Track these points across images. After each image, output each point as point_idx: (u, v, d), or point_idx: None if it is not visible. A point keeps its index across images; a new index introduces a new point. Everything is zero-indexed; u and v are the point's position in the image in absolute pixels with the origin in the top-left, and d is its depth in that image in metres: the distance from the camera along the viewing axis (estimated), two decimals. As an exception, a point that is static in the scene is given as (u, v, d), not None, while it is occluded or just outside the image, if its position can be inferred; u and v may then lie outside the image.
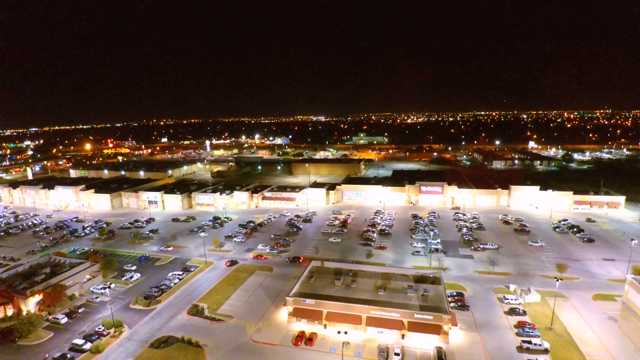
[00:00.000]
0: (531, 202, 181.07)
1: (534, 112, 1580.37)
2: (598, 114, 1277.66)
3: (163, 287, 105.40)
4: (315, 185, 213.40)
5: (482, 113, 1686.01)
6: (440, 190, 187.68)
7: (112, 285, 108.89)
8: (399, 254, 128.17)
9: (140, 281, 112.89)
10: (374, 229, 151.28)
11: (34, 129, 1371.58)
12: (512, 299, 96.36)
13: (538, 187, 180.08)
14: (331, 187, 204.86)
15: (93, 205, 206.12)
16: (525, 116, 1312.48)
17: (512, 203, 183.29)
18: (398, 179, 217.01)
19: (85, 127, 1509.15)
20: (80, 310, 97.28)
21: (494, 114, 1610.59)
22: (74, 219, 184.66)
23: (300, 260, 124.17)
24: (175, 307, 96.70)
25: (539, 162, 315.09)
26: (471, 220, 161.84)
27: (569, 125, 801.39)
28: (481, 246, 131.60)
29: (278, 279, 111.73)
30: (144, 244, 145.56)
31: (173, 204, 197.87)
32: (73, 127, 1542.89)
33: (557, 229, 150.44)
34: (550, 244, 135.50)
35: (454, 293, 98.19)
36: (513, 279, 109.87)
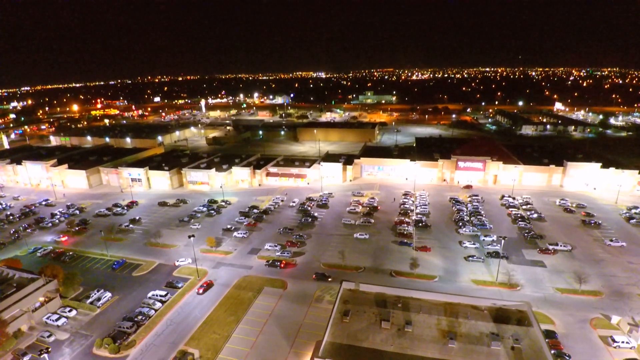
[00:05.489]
0: (587, 182, 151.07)
1: (541, 69, 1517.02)
2: (607, 72, 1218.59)
3: (139, 318, 77.30)
4: (329, 157, 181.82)
5: (488, 69, 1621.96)
6: (482, 166, 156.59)
7: (72, 313, 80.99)
8: (449, 259, 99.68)
9: (111, 303, 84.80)
10: (408, 219, 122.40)
11: (25, 88, 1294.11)
12: (622, 341, 69.31)
13: (599, 164, 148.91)
14: (348, 160, 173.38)
15: (67, 183, 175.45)
16: (533, 73, 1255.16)
17: (566, 183, 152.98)
18: (425, 150, 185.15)
19: (78, 85, 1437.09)
20: (25, 359, 69.87)
21: (499, 70, 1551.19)
22: (44, 202, 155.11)
23: (282, 265, 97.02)
24: (155, 355, 69.06)
25: (573, 127, 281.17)
26: (524, 207, 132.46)
27: (584, 84, 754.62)
28: (551, 247, 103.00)
29: (295, 302, 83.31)
30: (123, 239, 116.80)
31: (160, 182, 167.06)
32: (65, 85, 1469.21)
33: (631, 220, 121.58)
34: (631, 243, 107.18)
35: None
36: (607, 301, 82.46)
